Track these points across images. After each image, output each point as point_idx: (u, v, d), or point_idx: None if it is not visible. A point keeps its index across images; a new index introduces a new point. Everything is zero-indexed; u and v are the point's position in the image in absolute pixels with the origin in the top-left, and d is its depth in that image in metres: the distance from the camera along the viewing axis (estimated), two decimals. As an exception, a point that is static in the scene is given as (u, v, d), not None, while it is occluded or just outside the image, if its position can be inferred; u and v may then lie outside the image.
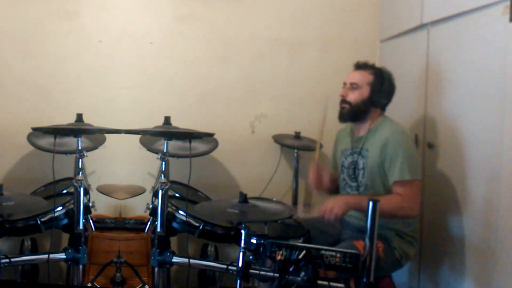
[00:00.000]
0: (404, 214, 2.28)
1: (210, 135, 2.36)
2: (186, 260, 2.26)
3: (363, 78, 2.37)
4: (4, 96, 3.11)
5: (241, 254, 1.95)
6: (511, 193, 1.98)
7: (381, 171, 2.32)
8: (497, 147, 2.05)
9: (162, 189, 2.29)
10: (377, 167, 2.32)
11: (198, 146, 2.79)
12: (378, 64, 3.17)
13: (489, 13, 2.11)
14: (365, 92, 2.36)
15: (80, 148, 2.26)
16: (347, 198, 2.30)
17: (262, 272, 1.97)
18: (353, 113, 2.39)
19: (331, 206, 2.19)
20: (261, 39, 3.30)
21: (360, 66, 2.42)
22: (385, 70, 2.42)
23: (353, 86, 2.38)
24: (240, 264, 1.96)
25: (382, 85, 2.36)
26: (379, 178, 2.33)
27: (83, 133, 2.38)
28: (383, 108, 2.43)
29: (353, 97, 2.37)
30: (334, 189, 2.60)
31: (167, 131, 2.50)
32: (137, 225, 2.88)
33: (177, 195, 2.73)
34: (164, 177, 2.31)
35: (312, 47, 3.34)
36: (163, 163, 2.31)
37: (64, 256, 2.20)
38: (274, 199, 3.04)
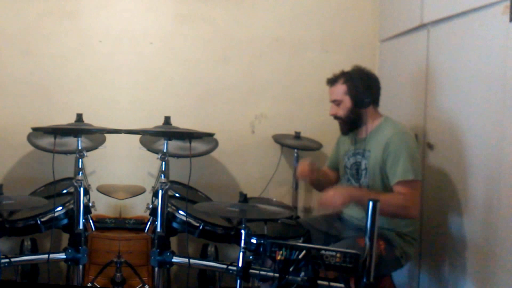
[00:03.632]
0: (406, 214, 2.28)
1: (210, 135, 2.36)
2: (186, 260, 2.26)
3: (339, 91, 2.42)
4: (4, 96, 3.10)
5: (241, 254, 1.96)
6: (511, 193, 1.98)
7: (382, 172, 2.32)
8: (497, 147, 2.05)
9: (162, 189, 2.29)
10: (379, 168, 2.33)
11: (198, 146, 2.79)
12: (378, 64, 3.22)
13: (489, 13, 2.10)
14: (347, 102, 2.40)
15: (80, 148, 2.26)
16: (350, 190, 2.30)
17: (262, 272, 1.97)
18: (349, 124, 2.44)
19: (332, 194, 2.19)
20: (261, 39, 3.30)
21: (331, 82, 2.46)
22: (353, 70, 2.43)
23: (336, 103, 2.44)
24: (240, 264, 1.96)
25: (357, 87, 2.38)
26: (380, 179, 2.34)
27: (83, 133, 2.38)
28: (375, 103, 2.44)
29: (341, 112, 2.43)
30: (321, 185, 2.58)
31: (167, 131, 2.50)
32: (137, 225, 2.88)
33: (177, 195, 2.73)
34: (164, 177, 2.32)
35: (312, 47, 3.34)
36: (163, 163, 2.32)
37: (64, 256, 2.20)
38: (274, 199, 3.04)
